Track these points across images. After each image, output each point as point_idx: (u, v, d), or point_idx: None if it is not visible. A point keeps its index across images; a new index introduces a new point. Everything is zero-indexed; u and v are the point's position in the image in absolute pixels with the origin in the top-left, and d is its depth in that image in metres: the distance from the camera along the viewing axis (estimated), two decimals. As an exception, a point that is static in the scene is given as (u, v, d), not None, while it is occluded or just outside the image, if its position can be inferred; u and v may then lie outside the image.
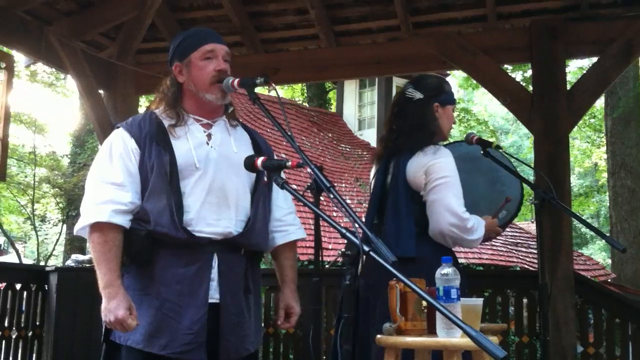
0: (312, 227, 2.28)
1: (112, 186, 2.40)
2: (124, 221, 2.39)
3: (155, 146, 2.45)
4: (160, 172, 2.42)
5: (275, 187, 2.60)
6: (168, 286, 2.38)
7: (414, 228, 2.94)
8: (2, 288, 4.85)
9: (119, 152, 2.46)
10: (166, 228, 2.37)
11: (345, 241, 1.89)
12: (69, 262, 5.63)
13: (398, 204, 3.00)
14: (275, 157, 2.38)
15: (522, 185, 3.28)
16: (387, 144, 3.16)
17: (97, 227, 2.37)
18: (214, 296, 2.43)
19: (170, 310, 2.37)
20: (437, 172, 2.91)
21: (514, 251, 11.87)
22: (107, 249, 2.35)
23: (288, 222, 2.71)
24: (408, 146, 3.02)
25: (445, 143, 3.51)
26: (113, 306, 2.29)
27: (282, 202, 2.71)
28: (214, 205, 2.45)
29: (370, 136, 15.09)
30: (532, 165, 4.39)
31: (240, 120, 2.75)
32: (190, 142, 2.49)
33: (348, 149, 14.55)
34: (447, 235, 2.89)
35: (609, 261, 16.22)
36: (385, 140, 3.19)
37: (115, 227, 2.37)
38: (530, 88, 4.72)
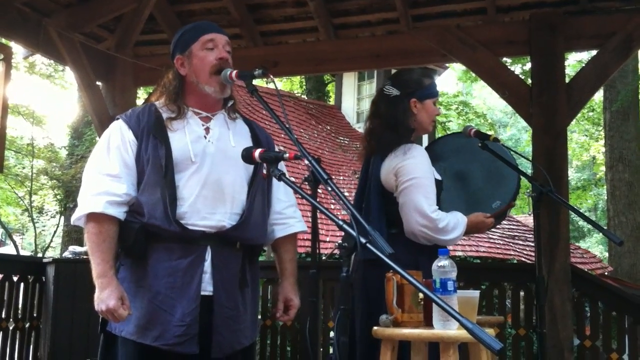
0: (310, 219, 2.29)
1: (107, 177, 2.42)
2: (119, 212, 2.40)
3: (152, 139, 2.46)
4: (155, 165, 2.42)
5: (275, 180, 2.61)
6: (160, 279, 2.39)
7: (385, 229, 2.96)
8: (-1, 279, 4.86)
9: (117, 143, 2.47)
10: (159, 221, 2.38)
11: (343, 233, 1.89)
12: (67, 254, 5.65)
13: (370, 205, 3.03)
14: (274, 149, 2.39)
15: (519, 177, 3.27)
16: (365, 144, 3.18)
17: (93, 217, 2.39)
18: (207, 289, 2.43)
19: (162, 302, 2.38)
20: (405, 173, 2.93)
21: (511, 244, 11.88)
22: (102, 239, 2.37)
23: (288, 215, 2.72)
24: (381, 147, 3.04)
25: (445, 134, 3.51)
26: (105, 296, 2.31)
27: (282, 195, 2.71)
28: (208, 199, 2.45)
29: (368, 129, 15.05)
30: (530, 158, 4.40)
31: (241, 113, 2.75)
32: (187, 136, 2.49)
33: (346, 142, 14.55)
34: (420, 236, 2.92)
35: (606, 254, 16.24)
36: (364, 139, 3.20)
37: (110, 219, 2.39)
38: (529, 81, 4.72)
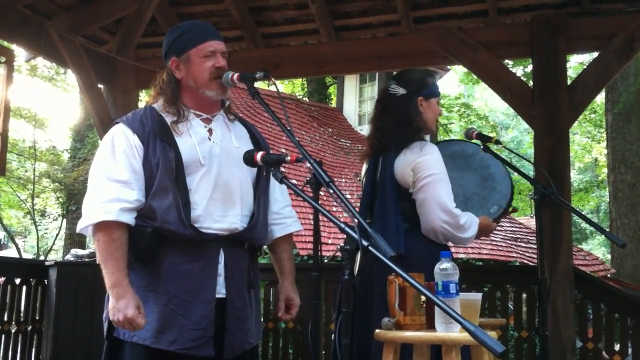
0: (312, 222, 2.29)
1: (117, 184, 2.38)
2: (130, 219, 2.38)
3: (159, 142, 2.44)
4: (166, 169, 2.40)
5: (271, 180, 2.62)
6: (175, 282, 2.38)
7: (402, 225, 2.94)
8: (1, 283, 4.85)
9: (122, 148, 2.44)
10: (173, 225, 2.37)
11: (345, 236, 1.89)
12: (69, 257, 5.65)
13: (385, 202, 3.00)
14: (271, 152, 2.39)
15: (512, 182, 3.29)
16: (373, 142, 3.16)
17: (103, 225, 2.34)
18: (221, 291, 2.44)
19: (178, 306, 2.37)
20: (424, 169, 2.91)
21: (513, 246, 11.86)
22: (114, 247, 2.33)
23: (285, 215, 2.73)
24: (394, 144, 3.02)
25: (439, 141, 3.51)
26: (122, 305, 2.27)
27: (278, 195, 2.72)
28: (219, 202, 2.46)
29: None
30: (532, 160, 4.39)
31: (237, 114, 2.75)
32: (193, 138, 2.48)
33: (348, 144, 14.54)
34: (440, 232, 2.89)
35: (609, 256, 16.23)
36: (371, 138, 3.18)
37: (122, 226, 2.35)
38: (531, 83, 4.71)
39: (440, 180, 2.90)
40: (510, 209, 3.29)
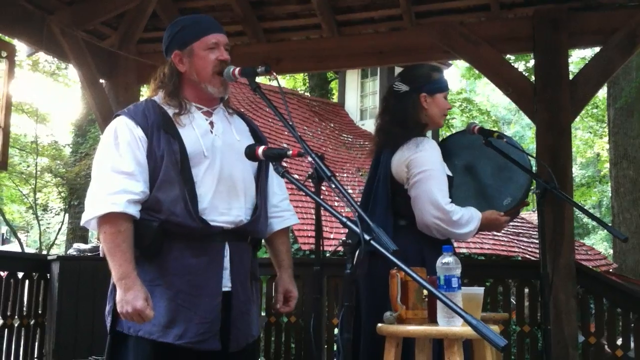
0: (314, 216, 2.29)
1: (123, 176, 2.36)
2: (136, 212, 2.36)
3: (163, 134, 2.42)
4: (171, 161, 2.39)
5: (270, 173, 2.63)
6: (181, 276, 2.38)
7: (391, 221, 2.95)
8: (4, 277, 4.86)
9: (127, 140, 2.41)
10: (181, 217, 2.36)
11: (347, 230, 1.89)
12: (71, 251, 5.65)
13: (378, 199, 3.02)
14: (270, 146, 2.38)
15: (531, 170, 3.25)
16: (376, 140, 3.18)
17: (110, 217, 2.32)
18: (226, 285, 2.44)
19: (184, 300, 2.36)
20: (417, 165, 2.91)
21: (515, 241, 11.86)
22: (122, 239, 2.32)
23: (283, 208, 2.73)
24: (391, 141, 3.04)
25: (456, 132, 3.48)
26: (131, 297, 2.26)
27: (277, 188, 2.72)
28: (224, 194, 2.45)
29: (372, 126, 14.96)
30: (534, 155, 4.38)
31: (236, 108, 2.75)
32: (196, 131, 2.47)
33: (350, 139, 14.53)
34: (433, 228, 2.90)
35: (611, 251, 16.20)
36: (375, 135, 3.20)
37: (127, 218, 2.34)
38: (533, 78, 4.71)
39: (432, 177, 2.90)
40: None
